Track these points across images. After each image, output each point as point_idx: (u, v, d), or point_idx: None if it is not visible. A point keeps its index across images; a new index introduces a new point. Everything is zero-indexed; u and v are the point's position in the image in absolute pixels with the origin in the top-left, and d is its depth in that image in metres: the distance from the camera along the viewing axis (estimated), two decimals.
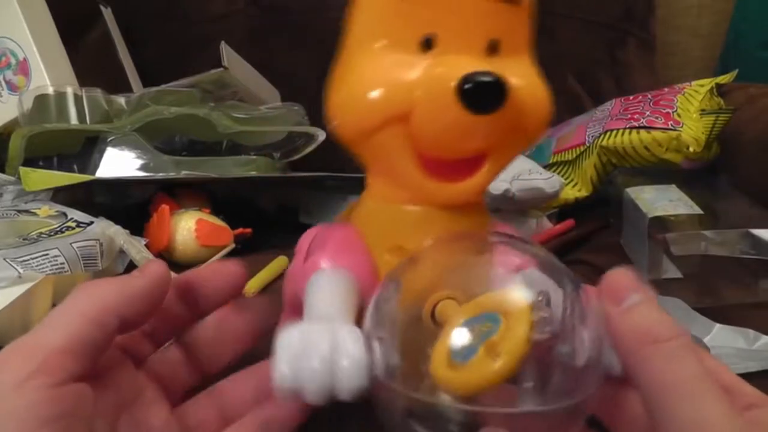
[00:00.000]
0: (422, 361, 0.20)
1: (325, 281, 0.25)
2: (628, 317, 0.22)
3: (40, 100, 0.55)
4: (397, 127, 0.24)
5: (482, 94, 0.22)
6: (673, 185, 0.57)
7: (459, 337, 0.20)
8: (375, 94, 0.24)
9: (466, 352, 0.20)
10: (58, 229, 0.44)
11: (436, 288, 0.22)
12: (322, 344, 0.21)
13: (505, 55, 0.25)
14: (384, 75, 0.24)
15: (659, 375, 0.20)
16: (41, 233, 0.43)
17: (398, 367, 0.21)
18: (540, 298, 0.21)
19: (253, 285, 0.43)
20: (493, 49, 0.25)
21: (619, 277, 0.23)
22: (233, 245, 0.52)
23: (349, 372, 0.20)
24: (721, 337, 0.32)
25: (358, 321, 0.23)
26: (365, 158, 0.26)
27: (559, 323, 0.21)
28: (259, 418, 0.25)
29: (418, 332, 0.22)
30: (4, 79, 0.60)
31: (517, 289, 0.21)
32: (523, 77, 0.24)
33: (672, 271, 0.47)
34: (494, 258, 0.24)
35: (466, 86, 0.22)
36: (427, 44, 0.24)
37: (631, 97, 0.74)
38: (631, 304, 0.22)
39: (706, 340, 0.34)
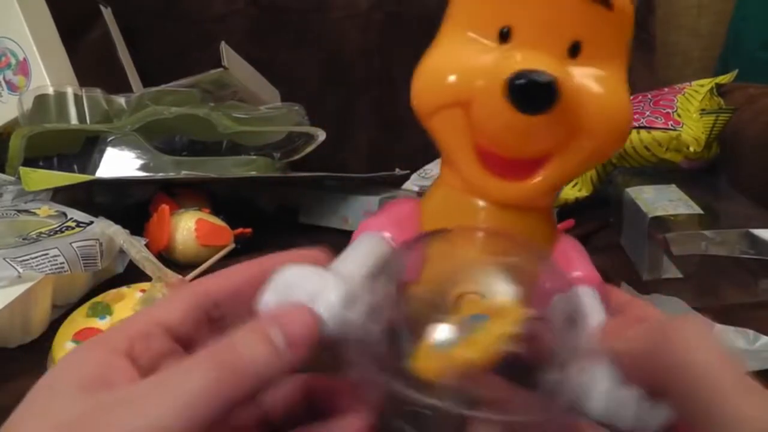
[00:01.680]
0: (408, 342, 0.20)
1: (360, 242, 0.26)
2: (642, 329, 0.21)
3: (40, 100, 0.55)
4: (459, 112, 0.23)
5: (531, 93, 0.21)
6: (673, 185, 0.57)
7: (444, 330, 0.20)
8: (440, 75, 0.24)
9: (448, 343, 0.20)
10: (58, 228, 0.44)
11: (463, 281, 0.22)
12: (308, 285, 0.22)
13: (587, 60, 0.24)
14: (454, 59, 0.24)
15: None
16: (41, 233, 0.43)
17: (378, 340, 0.21)
18: (531, 313, 0.21)
19: None
20: (574, 50, 0.24)
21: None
22: (233, 245, 0.52)
23: (323, 316, 0.21)
24: (722, 337, 0.32)
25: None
26: (435, 139, 0.26)
27: (548, 348, 0.21)
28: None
29: (421, 314, 0.22)
30: (4, 79, 0.60)
31: (512, 298, 0.21)
32: (600, 84, 0.24)
33: (672, 271, 0.47)
34: (527, 270, 0.23)
35: (517, 82, 0.21)
36: (504, 36, 0.24)
37: (631, 97, 0.74)
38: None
39: None
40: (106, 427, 0.18)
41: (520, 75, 0.21)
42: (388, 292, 0.22)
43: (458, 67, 0.24)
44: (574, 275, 0.25)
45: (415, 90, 0.25)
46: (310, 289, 0.21)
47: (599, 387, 0.20)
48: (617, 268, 0.47)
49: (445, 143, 0.25)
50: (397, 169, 0.69)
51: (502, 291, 0.22)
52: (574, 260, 0.26)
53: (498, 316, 0.20)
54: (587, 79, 0.23)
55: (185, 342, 0.22)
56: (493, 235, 0.24)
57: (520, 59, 0.22)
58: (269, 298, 0.22)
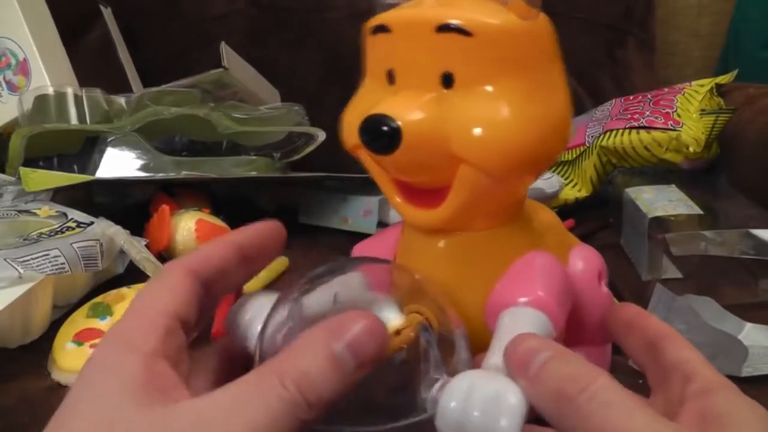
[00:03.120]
0: None
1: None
2: (542, 381, 0.20)
3: (40, 100, 0.55)
4: (362, 151, 0.26)
5: (371, 136, 0.23)
6: (673, 185, 0.57)
7: None
8: (344, 120, 0.27)
9: None
10: (59, 229, 0.44)
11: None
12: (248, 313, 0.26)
13: (462, 87, 0.24)
14: (353, 105, 0.26)
15: (600, 423, 0.19)
16: (41, 233, 0.43)
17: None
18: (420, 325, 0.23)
19: (254, 285, 0.43)
20: (447, 81, 0.24)
21: (518, 343, 0.21)
22: None
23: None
24: (753, 335, 0.32)
25: None
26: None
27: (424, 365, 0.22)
28: None
29: None
30: (4, 79, 0.60)
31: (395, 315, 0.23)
32: (472, 110, 0.24)
33: (672, 271, 0.47)
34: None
35: (361, 129, 0.24)
36: (390, 78, 0.25)
37: (631, 97, 0.74)
38: (538, 365, 0.20)
39: (740, 337, 0.34)
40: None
41: (365, 122, 0.23)
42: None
43: (350, 114, 0.26)
44: (516, 298, 0.25)
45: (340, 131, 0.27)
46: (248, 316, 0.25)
47: (449, 404, 0.21)
48: (617, 269, 0.47)
49: (372, 176, 0.27)
50: None
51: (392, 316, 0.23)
52: (525, 281, 0.25)
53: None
54: (459, 110, 0.23)
55: (187, 326, 0.22)
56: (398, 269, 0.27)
57: (379, 105, 0.24)
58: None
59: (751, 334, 0.32)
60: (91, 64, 0.70)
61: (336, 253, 0.53)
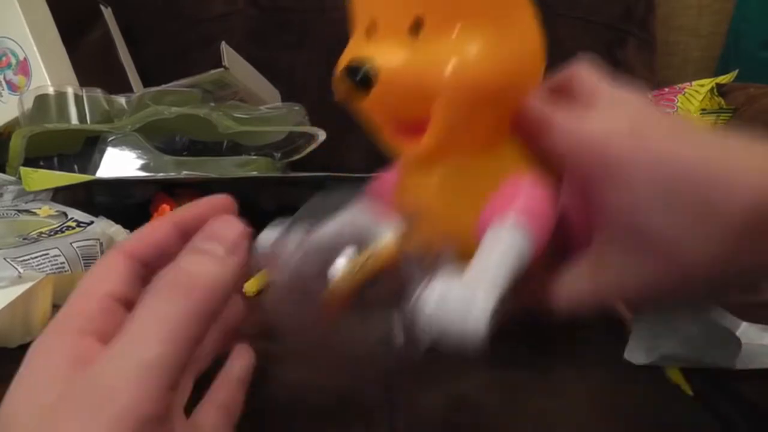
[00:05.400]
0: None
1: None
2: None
3: (41, 100, 0.55)
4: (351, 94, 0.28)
5: (351, 78, 0.27)
6: None
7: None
8: (335, 77, 0.29)
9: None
10: (59, 228, 0.44)
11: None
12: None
13: (432, 29, 0.26)
14: (341, 61, 0.29)
15: None
16: (41, 233, 0.43)
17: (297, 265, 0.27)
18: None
19: (253, 285, 0.43)
20: (417, 26, 0.27)
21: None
22: None
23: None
24: (749, 334, 0.32)
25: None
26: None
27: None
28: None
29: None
30: (4, 79, 0.60)
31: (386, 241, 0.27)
32: (438, 51, 0.26)
33: None
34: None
35: (342, 77, 0.27)
36: (370, 30, 0.28)
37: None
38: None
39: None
40: (101, 377, 0.19)
41: (346, 66, 0.27)
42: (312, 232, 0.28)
43: (339, 66, 0.29)
44: (497, 214, 0.28)
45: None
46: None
47: (425, 310, 0.25)
48: None
49: (364, 122, 0.31)
50: None
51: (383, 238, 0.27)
52: (508, 203, 0.28)
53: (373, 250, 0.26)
54: (428, 52, 0.26)
55: (127, 305, 0.23)
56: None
57: (359, 51, 0.27)
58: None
59: (746, 332, 0.32)
60: (91, 64, 0.70)
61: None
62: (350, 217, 0.29)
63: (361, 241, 0.27)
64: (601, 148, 0.27)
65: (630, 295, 0.29)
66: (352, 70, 0.27)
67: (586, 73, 0.31)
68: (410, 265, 0.26)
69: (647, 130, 0.27)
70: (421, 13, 0.26)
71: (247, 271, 0.27)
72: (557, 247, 0.30)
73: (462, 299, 0.24)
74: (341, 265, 0.26)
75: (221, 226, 0.24)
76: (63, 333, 0.22)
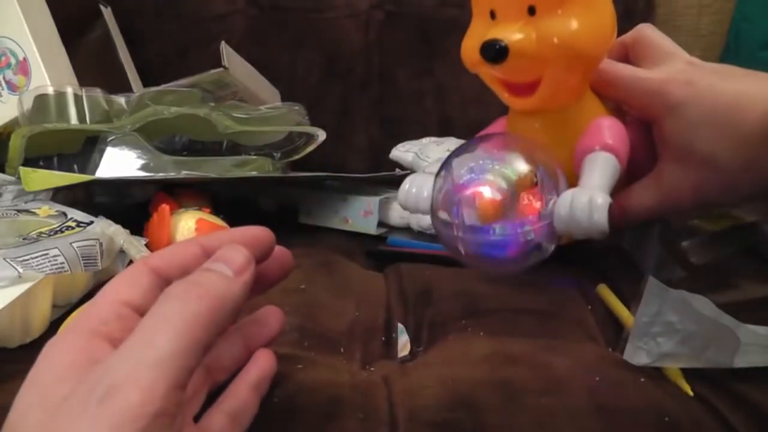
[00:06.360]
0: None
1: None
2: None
3: (40, 100, 0.55)
4: (481, 65, 0.38)
5: (489, 54, 0.36)
6: None
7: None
8: (465, 48, 0.40)
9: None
10: (58, 228, 0.44)
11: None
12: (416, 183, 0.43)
13: (542, 15, 0.37)
14: (470, 37, 0.40)
15: None
16: (41, 233, 0.42)
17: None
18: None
19: None
20: (531, 12, 0.37)
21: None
22: None
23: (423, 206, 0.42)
24: (748, 334, 0.32)
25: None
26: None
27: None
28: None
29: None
30: (4, 78, 0.60)
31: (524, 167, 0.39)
32: (552, 27, 0.36)
33: (677, 273, 0.47)
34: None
35: (481, 49, 0.37)
36: (492, 15, 0.38)
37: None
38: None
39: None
40: (109, 374, 0.20)
41: (483, 45, 0.37)
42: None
43: (469, 43, 0.40)
44: (593, 147, 0.39)
45: (461, 54, 0.41)
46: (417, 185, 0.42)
47: (560, 211, 0.36)
48: (620, 270, 0.47)
49: (486, 82, 0.41)
50: (398, 170, 0.69)
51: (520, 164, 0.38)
52: (597, 135, 0.39)
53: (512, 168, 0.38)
54: (541, 30, 0.36)
55: (143, 315, 0.23)
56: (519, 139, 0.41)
57: (489, 34, 0.37)
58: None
59: (746, 332, 0.32)
60: (91, 64, 0.70)
61: (336, 253, 0.53)
62: (470, 156, 0.39)
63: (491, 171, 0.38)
64: (662, 92, 0.39)
65: (684, 199, 0.40)
66: (490, 46, 0.36)
67: (648, 33, 0.43)
68: (542, 180, 0.37)
69: (695, 75, 0.39)
70: (533, 3, 0.36)
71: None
72: (630, 171, 0.41)
73: (587, 200, 0.35)
74: (486, 190, 0.37)
75: (229, 251, 0.25)
76: (77, 333, 0.22)
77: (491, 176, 0.37)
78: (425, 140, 0.70)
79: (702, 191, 0.39)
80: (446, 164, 0.40)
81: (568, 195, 0.36)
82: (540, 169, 0.38)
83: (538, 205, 0.37)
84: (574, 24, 0.36)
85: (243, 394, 0.28)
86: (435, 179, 0.40)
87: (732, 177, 0.38)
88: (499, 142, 0.40)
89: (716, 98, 0.37)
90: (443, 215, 0.39)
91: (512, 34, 0.36)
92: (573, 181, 0.39)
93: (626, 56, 0.44)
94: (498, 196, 0.37)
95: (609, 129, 0.40)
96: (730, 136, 0.37)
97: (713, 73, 0.39)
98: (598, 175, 0.38)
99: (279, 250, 0.29)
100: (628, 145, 0.40)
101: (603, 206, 0.35)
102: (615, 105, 0.44)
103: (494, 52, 0.36)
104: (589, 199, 0.35)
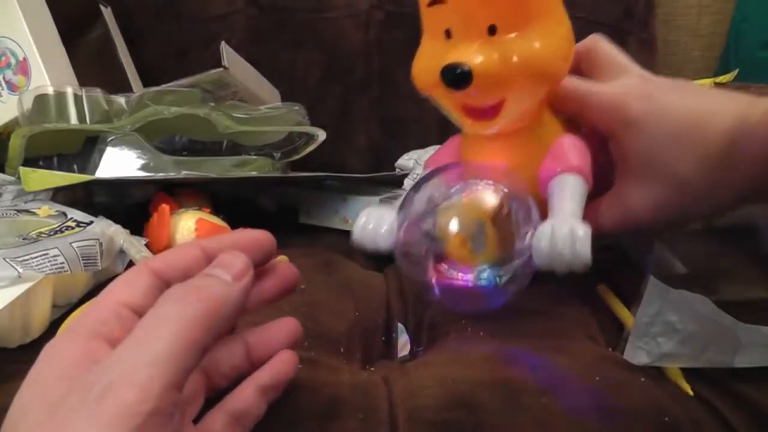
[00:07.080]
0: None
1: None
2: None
3: (40, 100, 0.55)
4: (438, 89, 0.35)
5: (451, 79, 0.34)
6: None
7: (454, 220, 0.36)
8: (418, 71, 0.38)
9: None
10: (58, 228, 0.44)
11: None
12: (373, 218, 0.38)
13: (504, 33, 0.34)
14: (423, 58, 0.38)
15: None
16: (41, 233, 0.42)
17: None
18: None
19: None
20: (492, 31, 0.34)
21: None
22: None
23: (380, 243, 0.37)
24: (748, 334, 0.32)
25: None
26: (436, 104, 0.39)
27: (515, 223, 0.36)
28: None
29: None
30: (4, 79, 0.60)
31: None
32: (514, 48, 0.34)
33: (678, 268, 0.47)
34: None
35: (442, 74, 0.34)
36: (448, 35, 0.36)
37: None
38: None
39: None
40: (106, 373, 0.20)
41: (444, 69, 0.34)
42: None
43: (423, 64, 0.37)
44: (558, 169, 0.37)
45: (412, 76, 0.38)
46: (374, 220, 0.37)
47: (540, 244, 0.33)
48: (618, 267, 0.47)
49: (442, 106, 0.38)
50: (398, 169, 0.69)
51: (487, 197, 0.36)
52: (561, 157, 0.38)
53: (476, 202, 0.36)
54: (503, 50, 0.34)
55: (143, 316, 0.23)
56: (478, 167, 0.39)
57: (449, 56, 0.34)
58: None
59: (746, 332, 0.32)
60: (91, 64, 0.70)
61: (336, 253, 0.53)
62: (432, 187, 0.37)
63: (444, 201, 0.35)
64: (621, 107, 0.38)
65: (648, 214, 0.39)
66: (451, 71, 0.33)
67: (602, 45, 0.41)
68: (515, 211, 0.35)
69: (653, 90, 0.38)
70: (494, 22, 0.34)
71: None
72: (594, 186, 0.39)
73: (567, 232, 0.32)
74: (452, 224, 0.35)
75: (228, 257, 0.25)
76: (76, 334, 0.23)
77: (455, 211, 0.35)
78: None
79: (662, 209, 0.38)
80: (407, 199, 0.37)
81: (547, 227, 0.33)
82: (512, 200, 0.35)
83: (512, 240, 0.34)
84: (536, 43, 0.34)
85: (248, 396, 0.27)
86: (397, 214, 0.37)
87: (694, 195, 0.37)
88: (461, 172, 0.38)
89: (679, 116, 0.37)
90: (410, 252, 0.36)
91: (474, 57, 0.33)
92: (540, 206, 0.37)
93: (577, 67, 0.42)
94: (466, 232, 0.35)
95: (573, 148, 0.38)
96: (693, 154, 0.36)
97: (673, 89, 0.38)
98: (569, 201, 0.36)
99: (286, 266, 0.29)
100: (591, 162, 0.38)
101: (585, 237, 0.32)
102: (567, 116, 0.42)
103: (457, 77, 0.33)
104: (570, 230, 0.33)
